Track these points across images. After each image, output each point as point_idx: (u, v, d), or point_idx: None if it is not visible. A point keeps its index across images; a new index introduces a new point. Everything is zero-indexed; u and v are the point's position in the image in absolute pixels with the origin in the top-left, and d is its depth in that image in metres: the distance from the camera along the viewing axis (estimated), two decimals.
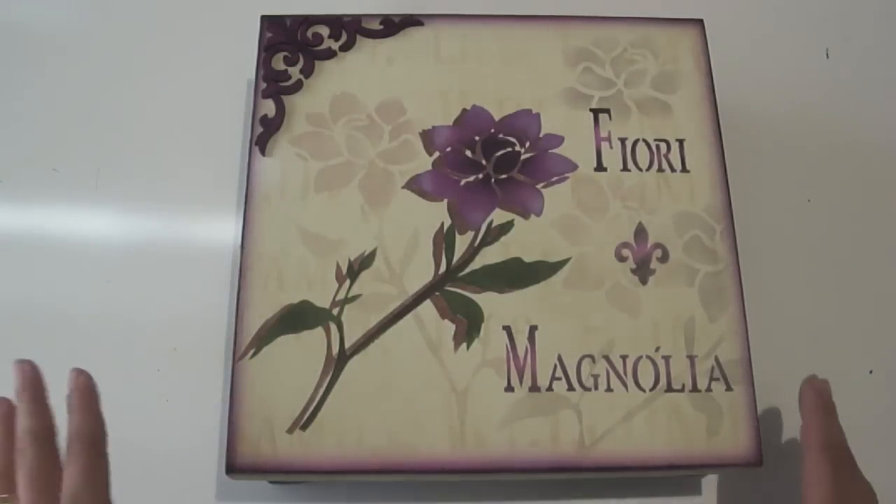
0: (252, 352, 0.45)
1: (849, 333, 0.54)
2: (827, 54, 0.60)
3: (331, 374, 0.44)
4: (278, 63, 0.51)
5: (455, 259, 0.47)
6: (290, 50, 0.51)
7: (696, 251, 0.47)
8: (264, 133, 0.49)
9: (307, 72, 0.51)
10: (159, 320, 0.54)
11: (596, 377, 0.45)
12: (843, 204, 0.58)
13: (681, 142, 0.49)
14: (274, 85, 0.50)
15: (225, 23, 0.60)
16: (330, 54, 0.51)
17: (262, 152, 0.49)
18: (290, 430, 0.44)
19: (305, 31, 0.52)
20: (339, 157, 0.49)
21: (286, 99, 0.50)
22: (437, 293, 0.46)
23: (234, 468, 0.43)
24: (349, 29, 0.52)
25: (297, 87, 0.50)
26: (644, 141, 0.49)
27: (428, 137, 0.49)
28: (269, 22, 0.52)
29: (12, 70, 0.60)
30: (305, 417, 0.44)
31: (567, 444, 0.43)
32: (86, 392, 0.37)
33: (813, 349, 0.53)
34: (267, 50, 0.51)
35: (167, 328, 0.53)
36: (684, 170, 0.49)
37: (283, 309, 0.46)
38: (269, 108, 0.50)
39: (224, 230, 0.56)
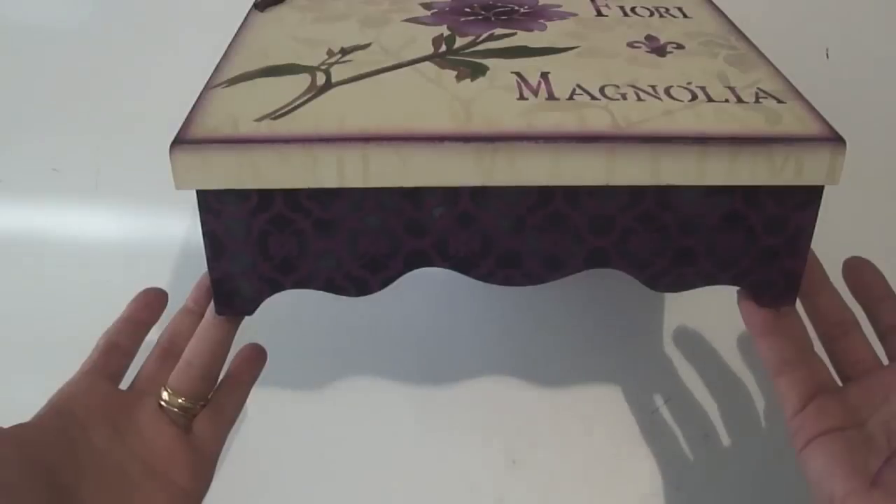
0: (224, 84, 0.39)
1: None
2: (827, 54, 0.62)
3: (314, 92, 0.38)
4: None
5: (455, 45, 0.43)
6: None
7: (711, 44, 0.44)
8: (264, 1, 0.50)
9: None
10: (159, 320, 0.49)
11: (623, 94, 0.38)
12: (843, 204, 0.55)
13: (679, 7, 0.50)
14: None
15: (225, 23, 0.63)
16: None
17: (261, 11, 0.49)
18: (259, 120, 0.35)
19: None
20: (335, 11, 0.48)
21: None
22: (437, 59, 0.42)
23: (182, 140, 0.34)
24: None
25: None
26: (643, 7, 0.50)
27: (428, 5, 0.50)
28: None
29: (12, 70, 0.62)
30: (278, 113, 0.36)
31: (597, 124, 0.35)
32: None
33: None
34: None
35: None
36: (686, 17, 0.48)
37: (265, 66, 0.41)
38: None
39: None
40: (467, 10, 0.49)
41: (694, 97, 0.38)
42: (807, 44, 0.63)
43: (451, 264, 0.38)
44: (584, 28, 0.46)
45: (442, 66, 0.41)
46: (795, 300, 0.39)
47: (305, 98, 0.37)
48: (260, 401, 0.45)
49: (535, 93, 0.38)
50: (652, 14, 0.48)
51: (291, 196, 0.35)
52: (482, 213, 0.36)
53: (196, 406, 0.40)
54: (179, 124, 0.59)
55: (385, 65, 0.41)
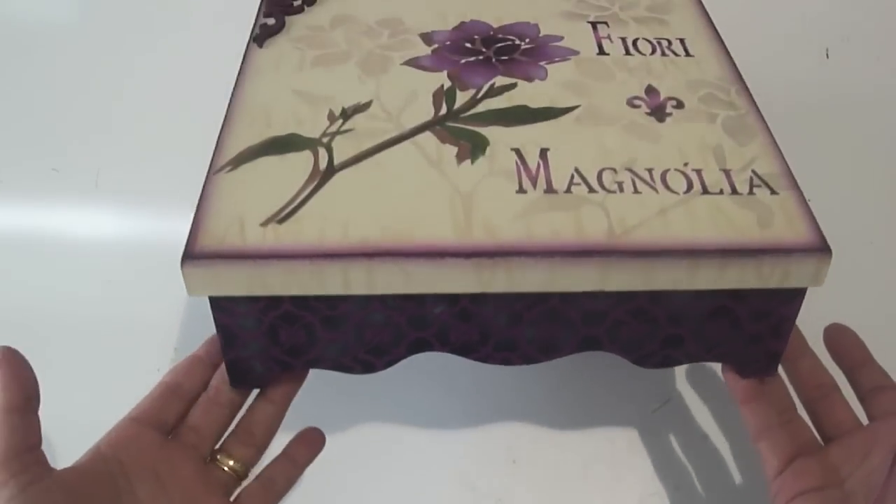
0: (228, 168, 0.40)
1: None
2: (827, 54, 0.61)
3: (316, 181, 0.39)
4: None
5: (456, 106, 0.43)
6: None
7: (712, 102, 0.44)
8: (262, 34, 0.49)
9: (310, 2, 0.52)
10: (159, 320, 0.51)
11: (620, 183, 0.39)
12: (842, 204, 0.56)
13: (681, 39, 0.49)
14: (275, 7, 0.51)
15: (225, 22, 0.62)
16: None
17: (260, 46, 0.48)
18: (264, 224, 0.37)
19: None
20: (336, 47, 0.48)
21: (287, 17, 0.51)
22: (438, 127, 0.42)
23: (192, 255, 0.35)
24: None
25: (300, 10, 0.51)
26: (644, 39, 0.49)
27: (427, 37, 0.49)
28: None
29: (12, 70, 0.62)
30: (283, 214, 0.37)
31: (595, 233, 0.36)
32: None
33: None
34: None
35: (167, 328, 0.51)
36: (688, 55, 0.48)
37: (268, 139, 0.41)
38: (269, 21, 0.50)
39: None
40: (468, 45, 0.48)
41: (689, 187, 0.38)
42: (807, 44, 0.62)
43: (450, 349, 0.40)
44: (583, 75, 0.46)
45: (443, 140, 0.41)
46: (776, 371, 0.42)
47: (309, 191, 0.38)
48: None
49: (534, 182, 0.39)
50: (654, 50, 0.48)
51: (299, 298, 0.37)
52: (481, 311, 0.38)
53: (246, 472, 0.41)
54: (180, 124, 0.59)
55: (386, 136, 0.41)
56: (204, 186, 0.39)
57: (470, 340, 0.39)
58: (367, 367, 0.40)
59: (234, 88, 0.45)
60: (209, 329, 0.48)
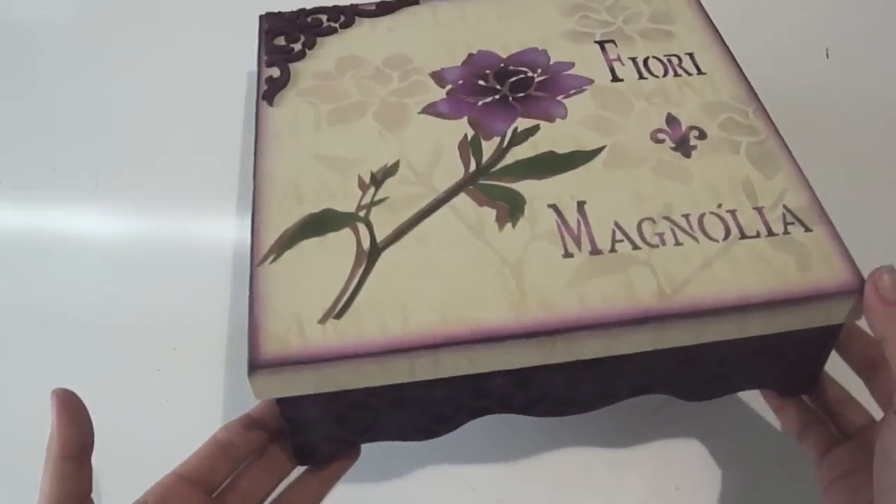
0: (272, 257, 0.40)
1: None
2: (827, 54, 0.61)
3: (364, 265, 0.39)
4: (280, 41, 0.51)
5: (484, 160, 0.44)
6: (290, 31, 0.52)
7: (733, 128, 0.45)
8: (270, 89, 0.48)
9: (309, 45, 0.51)
10: (159, 320, 0.51)
11: (661, 235, 0.40)
12: (842, 203, 0.56)
13: (690, 54, 0.49)
14: (277, 55, 0.50)
15: (224, 22, 0.62)
16: (330, 31, 0.52)
17: (270, 104, 0.47)
18: (322, 321, 0.37)
19: (304, 17, 0.53)
20: (349, 98, 0.47)
21: (291, 65, 0.50)
22: (471, 187, 0.42)
23: (257, 364, 0.36)
24: (347, 12, 0.53)
25: (301, 55, 0.50)
26: (654, 57, 0.49)
27: (438, 76, 0.49)
28: (268, 16, 0.53)
29: (12, 70, 0.62)
30: (339, 307, 0.37)
31: (646, 295, 0.37)
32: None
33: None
34: (268, 34, 0.52)
35: (167, 328, 0.51)
36: (700, 73, 0.48)
37: (304, 218, 0.41)
38: (273, 71, 0.49)
39: (225, 229, 0.54)
40: (482, 82, 0.48)
41: (727, 233, 0.39)
42: (807, 44, 0.62)
43: (510, 411, 0.41)
44: (603, 108, 0.46)
45: (479, 202, 0.41)
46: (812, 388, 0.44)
47: (358, 277, 0.38)
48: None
49: (578, 242, 0.39)
50: (666, 71, 0.48)
51: (364, 388, 0.38)
52: (540, 377, 0.39)
53: None
54: (180, 124, 0.59)
55: (422, 203, 0.41)
56: (252, 281, 0.39)
57: (529, 402, 0.41)
58: (429, 434, 0.41)
59: (255, 157, 0.44)
60: (209, 329, 0.51)
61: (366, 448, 0.47)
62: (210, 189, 0.56)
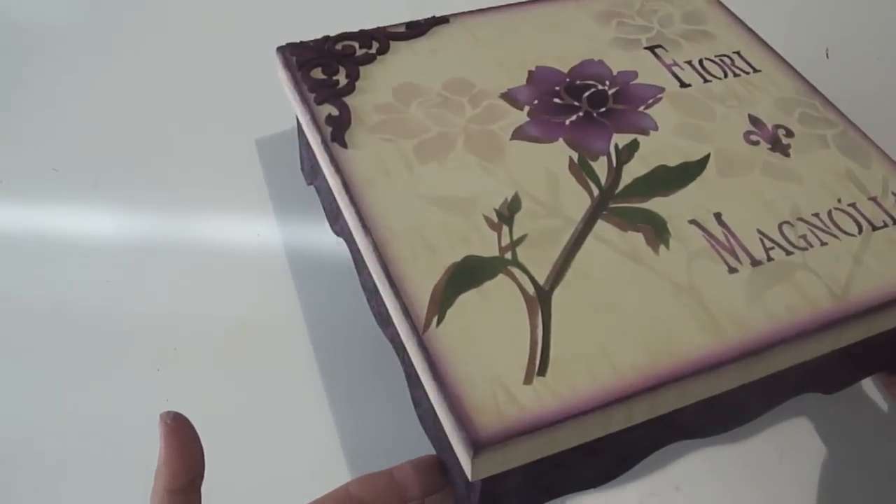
0: (436, 319, 0.36)
1: None
2: (827, 54, 0.63)
3: (540, 312, 0.36)
4: (318, 74, 0.46)
5: (603, 181, 0.42)
6: (325, 63, 0.47)
7: (812, 122, 0.46)
8: (336, 129, 0.43)
9: (353, 76, 0.47)
10: (159, 320, 0.50)
11: (804, 237, 0.40)
12: None
13: (737, 52, 0.50)
14: (325, 91, 0.45)
15: (224, 21, 0.60)
16: (370, 59, 0.48)
17: (344, 146, 0.43)
18: (528, 381, 0.34)
19: (333, 45, 0.48)
20: (428, 131, 0.44)
21: (345, 100, 0.45)
22: (605, 212, 0.40)
23: (481, 444, 0.32)
24: (377, 36, 0.49)
25: (350, 89, 0.46)
26: (707, 59, 0.49)
27: (510, 97, 0.46)
28: (290, 47, 0.48)
29: (12, 70, 0.60)
30: (538, 362, 0.34)
31: (823, 300, 0.37)
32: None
33: None
34: (301, 67, 0.47)
35: (167, 328, 0.50)
36: (756, 70, 0.49)
37: (447, 269, 0.37)
38: (331, 110, 0.44)
39: (225, 229, 0.55)
40: (557, 100, 0.46)
41: (860, 227, 0.41)
42: (807, 44, 0.64)
43: (689, 437, 0.40)
44: (688, 115, 0.46)
45: (622, 228, 0.40)
46: None
47: (542, 326, 0.36)
48: (259, 406, 0.46)
49: (736, 256, 0.39)
50: (725, 73, 0.49)
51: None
52: (722, 398, 0.38)
53: None
54: (180, 124, 0.58)
55: (564, 236, 0.39)
56: (423, 349, 0.35)
57: (711, 425, 0.40)
58: (609, 478, 0.39)
59: (352, 205, 0.40)
60: (209, 329, 0.50)
61: (366, 447, 0.47)
62: (210, 189, 0.56)
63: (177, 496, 0.32)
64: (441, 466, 0.38)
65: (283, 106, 0.49)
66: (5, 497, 0.44)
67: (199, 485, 0.33)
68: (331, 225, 0.49)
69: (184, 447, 0.32)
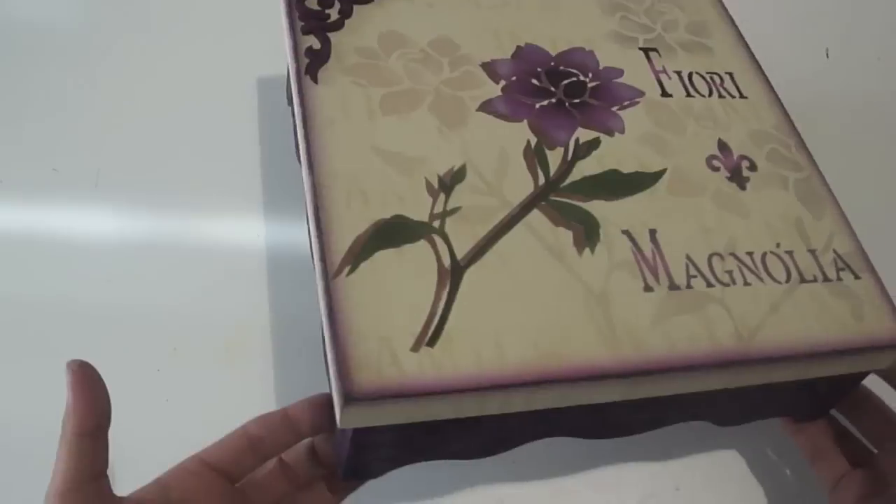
0: (348, 269, 0.37)
1: None
2: (827, 54, 0.62)
3: (448, 285, 0.37)
4: (312, 4, 0.47)
5: (552, 172, 0.42)
6: None
7: (779, 161, 0.46)
8: (313, 63, 0.44)
9: (346, 13, 0.47)
10: (159, 320, 0.50)
11: (730, 273, 0.40)
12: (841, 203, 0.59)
13: (730, 74, 0.50)
14: (313, 22, 0.46)
15: (225, 22, 0.60)
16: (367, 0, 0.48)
17: (315, 81, 0.43)
18: (415, 348, 0.35)
19: None
20: (400, 84, 0.44)
21: (330, 35, 0.45)
22: (544, 203, 0.41)
23: (352, 397, 0.33)
24: None
25: (339, 25, 0.46)
26: (697, 73, 0.49)
27: (490, 68, 0.46)
28: None
29: (12, 70, 0.60)
30: (430, 333, 0.36)
31: (726, 339, 0.38)
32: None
33: None
34: None
35: (167, 328, 0.50)
36: (742, 96, 0.49)
37: (374, 224, 0.38)
38: (312, 41, 0.45)
39: (225, 229, 0.55)
40: (535, 82, 0.46)
41: (788, 275, 0.41)
42: (807, 44, 0.63)
43: (571, 435, 0.41)
44: (657, 126, 0.46)
45: (555, 222, 0.40)
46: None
47: (445, 299, 0.37)
48: (259, 406, 0.46)
49: (656, 275, 0.39)
50: (710, 91, 0.48)
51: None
52: (610, 407, 0.39)
53: None
54: (180, 124, 0.57)
55: (496, 217, 0.40)
56: (328, 294, 0.36)
57: (593, 428, 0.41)
58: (487, 453, 0.41)
59: (305, 141, 0.41)
60: (208, 329, 0.50)
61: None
62: (210, 188, 0.56)
63: (84, 440, 0.33)
64: (331, 407, 0.39)
65: (286, 105, 0.49)
66: (5, 497, 0.44)
67: (106, 430, 0.34)
68: (297, 157, 0.49)
69: (90, 393, 0.33)
